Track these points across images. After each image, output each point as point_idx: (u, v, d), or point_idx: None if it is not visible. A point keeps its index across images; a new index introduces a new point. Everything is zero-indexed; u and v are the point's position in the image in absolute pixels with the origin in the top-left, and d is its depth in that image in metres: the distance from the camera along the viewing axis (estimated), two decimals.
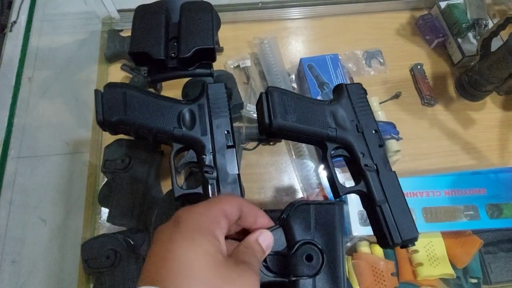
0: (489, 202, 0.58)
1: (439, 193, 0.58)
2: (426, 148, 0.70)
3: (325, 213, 0.34)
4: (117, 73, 0.75)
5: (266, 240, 0.31)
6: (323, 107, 0.42)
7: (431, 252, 0.57)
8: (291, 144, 0.69)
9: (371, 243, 0.60)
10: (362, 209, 0.58)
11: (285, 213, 0.34)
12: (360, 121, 0.43)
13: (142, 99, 0.40)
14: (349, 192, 0.39)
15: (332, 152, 0.41)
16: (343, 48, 0.78)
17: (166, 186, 0.65)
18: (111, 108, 0.39)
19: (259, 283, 0.27)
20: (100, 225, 0.64)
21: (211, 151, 0.41)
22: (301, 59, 0.72)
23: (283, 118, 0.40)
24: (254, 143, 0.70)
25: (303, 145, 0.67)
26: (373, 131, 0.42)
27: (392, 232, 0.38)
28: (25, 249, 0.52)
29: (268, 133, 0.41)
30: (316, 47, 0.79)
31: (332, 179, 0.40)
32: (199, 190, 0.42)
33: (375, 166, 0.40)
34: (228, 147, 0.42)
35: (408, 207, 0.39)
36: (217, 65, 0.78)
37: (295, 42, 0.81)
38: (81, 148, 0.68)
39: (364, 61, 0.77)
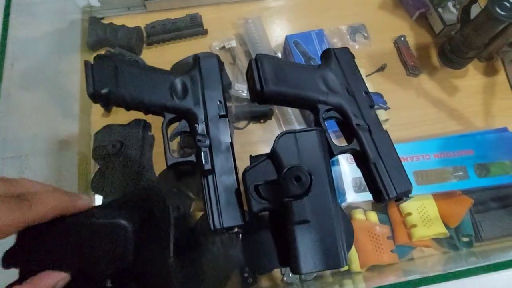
0: (477, 162, 0.60)
1: (428, 156, 0.59)
2: (414, 116, 0.71)
3: (308, 139, 0.36)
4: None
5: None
6: (312, 72, 0.43)
7: (424, 214, 0.58)
8: (281, 120, 0.69)
9: (365, 210, 0.61)
10: (356, 177, 0.59)
11: (272, 146, 0.36)
12: (350, 84, 0.43)
13: (133, 71, 0.40)
14: (343, 151, 0.40)
15: (324, 114, 0.42)
16: (327, 24, 0.78)
17: (159, 170, 0.65)
18: (101, 80, 0.38)
19: None
20: None
21: (203, 120, 0.41)
22: (286, 36, 0.72)
23: (275, 84, 0.41)
24: (245, 122, 0.70)
25: (293, 118, 0.67)
26: (364, 93, 0.43)
27: (387, 186, 0.39)
28: None
29: (261, 99, 0.42)
30: (300, 25, 0.79)
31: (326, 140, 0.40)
32: (192, 158, 0.42)
33: (367, 126, 0.41)
34: (221, 116, 0.42)
35: (401, 162, 0.40)
36: (202, 48, 0.77)
37: (280, 21, 0.81)
38: (69, 138, 0.67)
39: (348, 36, 0.78)
